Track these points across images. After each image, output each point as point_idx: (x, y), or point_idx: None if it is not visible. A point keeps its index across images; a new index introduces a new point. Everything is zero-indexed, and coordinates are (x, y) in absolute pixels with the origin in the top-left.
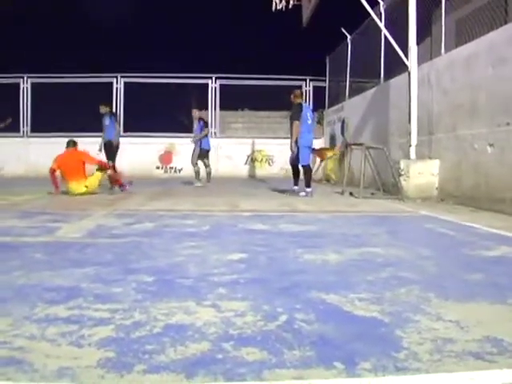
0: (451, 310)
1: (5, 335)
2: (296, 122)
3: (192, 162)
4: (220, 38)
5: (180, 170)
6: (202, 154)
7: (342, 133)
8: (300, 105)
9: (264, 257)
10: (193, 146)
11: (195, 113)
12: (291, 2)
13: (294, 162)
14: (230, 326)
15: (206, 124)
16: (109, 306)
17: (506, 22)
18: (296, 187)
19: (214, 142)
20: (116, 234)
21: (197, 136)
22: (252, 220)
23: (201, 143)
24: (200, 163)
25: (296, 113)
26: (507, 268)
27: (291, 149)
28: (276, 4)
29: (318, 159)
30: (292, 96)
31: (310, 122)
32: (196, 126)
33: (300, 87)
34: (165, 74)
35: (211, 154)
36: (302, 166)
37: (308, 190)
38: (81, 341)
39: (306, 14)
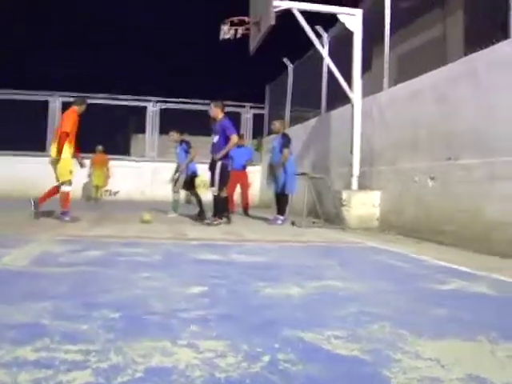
0: (427, 347)
1: None
2: (286, 150)
3: (173, 189)
4: (161, 61)
5: (116, 193)
6: (188, 180)
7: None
8: (287, 134)
9: (225, 290)
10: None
11: (174, 135)
12: (239, 32)
13: (282, 191)
14: (214, 368)
15: (189, 146)
16: (80, 347)
17: (445, 60)
18: (282, 217)
19: (151, 166)
20: (65, 263)
21: (182, 164)
22: (201, 249)
23: (187, 169)
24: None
25: (286, 141)
26: (465, 302)
27: (278, 177)
28: (224, 33)
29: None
30: (278, 124)
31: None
32: (178, 149)
33: (239, 114)
34: (104, 94)
35: (150, 179)
36: (286, 193)
37: (282, 217)
38: None
39: (254, 43)
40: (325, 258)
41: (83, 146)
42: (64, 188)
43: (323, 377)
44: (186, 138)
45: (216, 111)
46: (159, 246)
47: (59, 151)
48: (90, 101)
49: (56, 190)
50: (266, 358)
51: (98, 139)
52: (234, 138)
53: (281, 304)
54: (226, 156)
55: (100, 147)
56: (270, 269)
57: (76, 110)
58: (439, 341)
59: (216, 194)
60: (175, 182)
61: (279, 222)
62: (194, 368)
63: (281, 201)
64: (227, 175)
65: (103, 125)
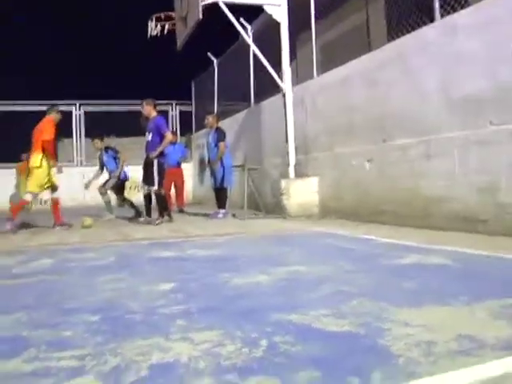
0: (411, 315)
1: None
2: (222, 144)
3: (101, 191)
4: (82, 62)
5: (46, 202)
6: (118, 185)
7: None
8: (221, 128)
9: (195, 284)
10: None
11: (98, 143)
12: (166, 27)
13: (221, 185)
14: (217, 357)
15: (116, 151)
16: (71, 353)
17: (370, 46)
18: (223, 211)
19: (79, 171)
20: (19, 274)
21: (116, 171)
22: (154, 248)
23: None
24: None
25: (221, 135)
26: (429, 273)
27: (216, 172)
28: (151, 30)
29: None
30: (211, 119)
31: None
32: (105, 157)
33: (167, 112)
34: (26, 101)
35: (79, 184)
36: (225, 187)
37: (223, 211)
38: None
39: (181, 38)
40: (278, 246)
41: (10, 155)
42: (25, 197)
43: (327, 353)
44: (113, 140)
45: (148, 109)
46: (109, 249)
47: (52, 157)
48: (12, 108)
49: (56, 201)
50: (264, 343)
51: (23, 147)
52: (169, 136)
53: (254, 292)
54: (162, 154)
55: (25, 155)
56: (229, 260)
57: (52, 119)
58: (419, 309)
59: (157, 192)
60: (104, 184)
61: (220, 215)
62: (197, 360)
63: (220, 195)
64: (164, 173)
65: (28, 132)
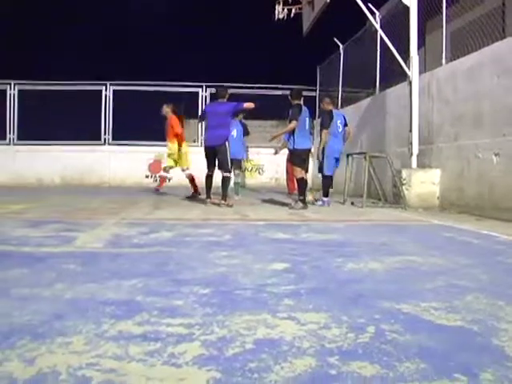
0: None
1: (87, 356)
2: (325, 131)
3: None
4: (211, 47)
5: (169, 180)
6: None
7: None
8: (331, 112)
9: (307, 266)
10: None
11: None
12: (293, 11)
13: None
14: (322, 339)
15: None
16: (180, 321)
17: (504, 33)
18: (325, 198)
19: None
20: (138, 244)
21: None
22: (270, 229)
23: None
24: None
25: (326, 120)
26: None
27: (318, 158)
28: (278, 13)
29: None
30: (322, 104)
31: (340, 129)
32: None
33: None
34: (155, 81)
35: (203, 164)
36: (324, 175)
37: (325, 199)
38: (174, 360)
39: (308, 23)
40: (395, 235)
41: (133, 133)
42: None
43: (435, 347)
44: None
45: None
46: (226, 227)
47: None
48: (142, 88)
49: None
50: (372, 329)
51: (151, 125)
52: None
53: (367, 278)
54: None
55: None
56: (344, 246)
57: None
58: None
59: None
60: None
61: (319, 203)
62: (301, 339)
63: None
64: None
65: (156, 111)
